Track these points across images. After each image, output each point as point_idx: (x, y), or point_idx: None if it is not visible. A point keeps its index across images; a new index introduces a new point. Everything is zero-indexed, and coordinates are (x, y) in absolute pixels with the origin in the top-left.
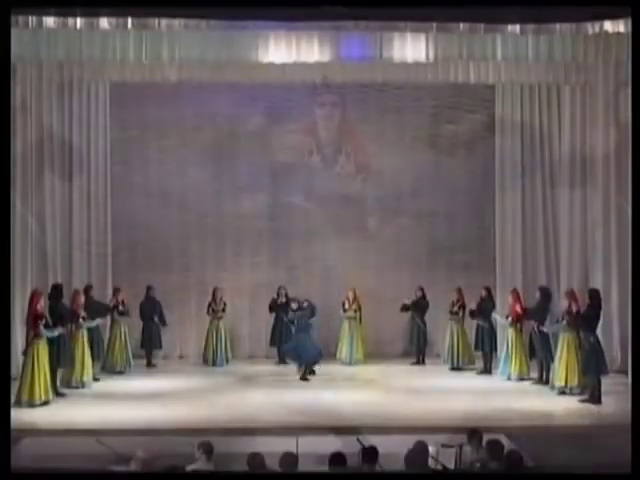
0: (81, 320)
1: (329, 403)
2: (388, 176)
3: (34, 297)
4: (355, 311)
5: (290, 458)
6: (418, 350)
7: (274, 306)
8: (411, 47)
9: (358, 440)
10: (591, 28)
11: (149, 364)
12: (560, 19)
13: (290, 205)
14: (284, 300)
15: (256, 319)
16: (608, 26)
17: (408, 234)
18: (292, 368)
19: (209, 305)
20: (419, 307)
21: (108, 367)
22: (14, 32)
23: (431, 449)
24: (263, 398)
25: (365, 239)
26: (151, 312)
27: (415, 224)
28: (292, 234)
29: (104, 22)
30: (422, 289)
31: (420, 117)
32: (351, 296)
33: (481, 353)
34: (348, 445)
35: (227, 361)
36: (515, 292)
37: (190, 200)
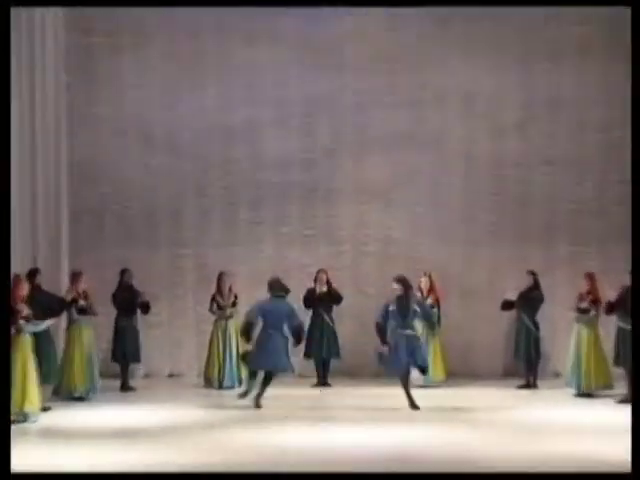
0: (22, 321)
1: (394, 443)
2: (481, 103)
3: None
4: (432, 307)
5: None
6: (528, 366)
7: (312, 299)
8: None
9: None
10: None
11: (124, 386)
12: None
13: (331, 149)
14: (325, 289)
15: None
16: None
17: (510, 192)
18: (337, 391)
19: (213, 298)
20: (529, 302)
21: (63, 391)
22: None
23: None
24: (295, 436)
25: (445, 200)
26: (127, 308)
27: (522, 177)
28: (335, 191)
29: None
30: (534, 274)
31: (529, 13)
32: (425, 285)
33: (623, 371)
34: None
35: (240, 381)
36: None
37: (184, 141)
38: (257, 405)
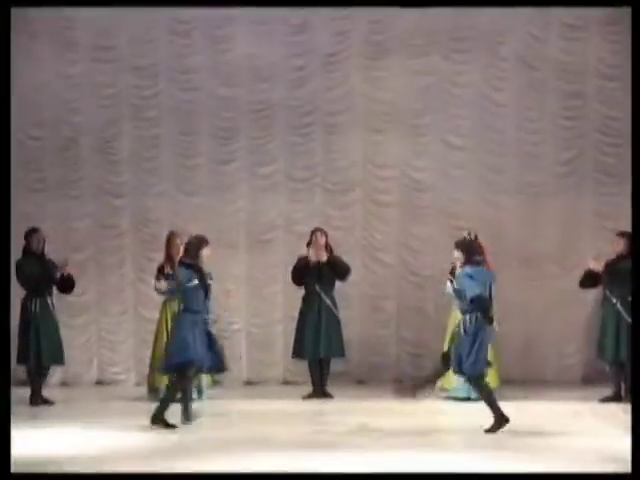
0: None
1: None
2: None
3: None
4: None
5: None
6: (617, 369)
7: (304, 271)
8: None
9: None
10: None
11: (35, 399)
12: None
13: (333, 53)
14: (324, 257)
15: (262, 302)
16: None
17: (593, 115)
18: (341, 404)
19: (160, 270)
20: (619, 275)
21: None
22: None
23: None
24: (280, 470)
25: (496, 128)
26: (36, 285)
27: (612, 92)
28: (338, 115)
29: None
30: (627, 236)
31: None
32: None
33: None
34: None
35: (200, 392)
36: None
37: (119, 42)
38: (188, 419)
